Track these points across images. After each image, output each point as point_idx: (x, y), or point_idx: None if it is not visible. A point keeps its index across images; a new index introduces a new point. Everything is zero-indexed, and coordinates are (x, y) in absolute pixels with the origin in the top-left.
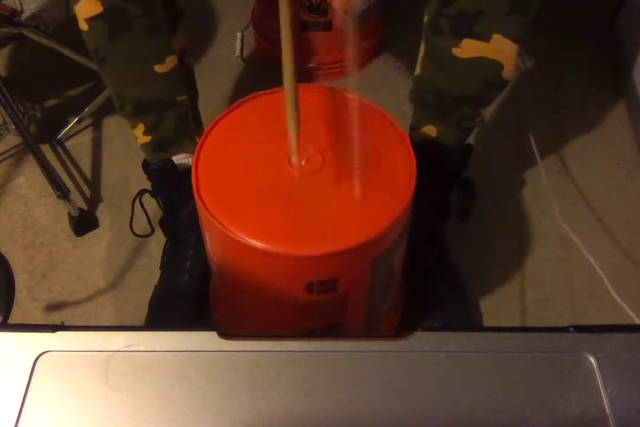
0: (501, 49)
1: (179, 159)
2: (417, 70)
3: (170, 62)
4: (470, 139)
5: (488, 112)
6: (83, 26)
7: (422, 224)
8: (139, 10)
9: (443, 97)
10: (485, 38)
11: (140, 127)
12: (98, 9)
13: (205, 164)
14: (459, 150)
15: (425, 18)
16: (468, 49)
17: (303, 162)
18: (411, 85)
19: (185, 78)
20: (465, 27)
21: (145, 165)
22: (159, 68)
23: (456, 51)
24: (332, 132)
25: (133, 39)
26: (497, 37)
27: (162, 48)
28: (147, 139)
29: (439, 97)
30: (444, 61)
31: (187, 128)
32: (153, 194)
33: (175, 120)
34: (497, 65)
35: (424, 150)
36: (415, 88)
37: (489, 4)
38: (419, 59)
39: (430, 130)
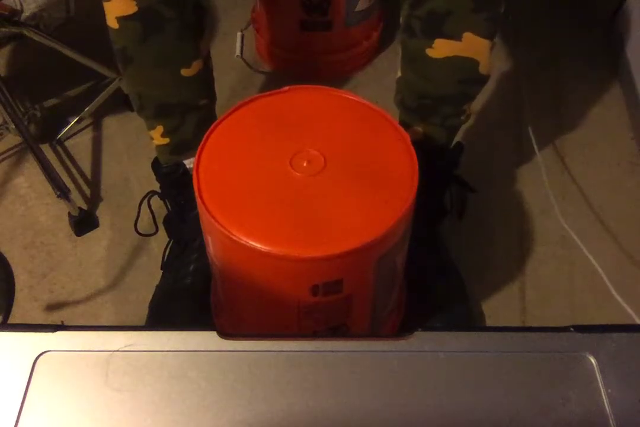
0: (473, 47)
1: (190, 162)
2: (398, 73)
3: (197, 65)
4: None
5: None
6: (112, 24)
7: (420, 223)
8: (172, 13)
9: (423, 98)
10: (456, 37)
11: (159, 129)
12: (132, 8)
13: (207, 167)
14: (448, 149)
15: (401, 21)
16: (441, 49)
17: (305, 164)
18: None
19: (208, 82)
20: (435, 28)
21: (156, 167)
22: (185, 71)
23: (430, 52)
24: (333, 133)
25: (164, 41)
26: (467, 36)
27: (191, 51)
28: (165, 141)
29: (419, 99)
30: (419, 62)
31: (206, 131)
32: (162, 196)
33: (196, 123)
34: (473, 63)
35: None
36: (397, 91)
37: (454, 3)
38: (399, 61)
39: (416, 131)
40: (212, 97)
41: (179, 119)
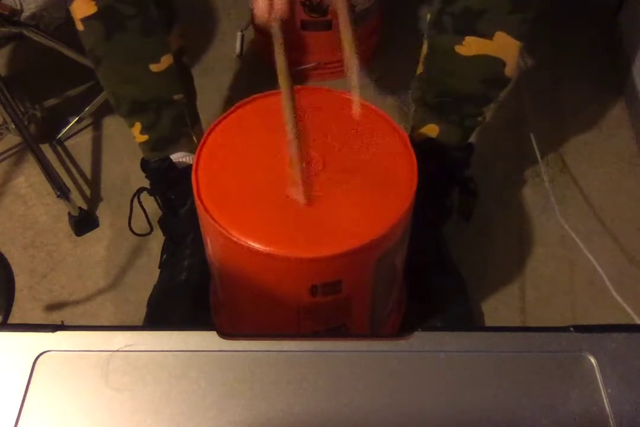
0: (504, 47)
1: (177, 157)
2: (420, 69)
3: (166, 61)
4: (471, 139)
5: (489, 111)
6: (79, 26)
7: (423, 223)
8: (132, 10)
9: (445, 95)
10: (488, 35)
11: (137, 126)
12: (92, 9)
13: (205, 167)
14: (460, 149)
15: (429, 16)
16: (471, 46)
17: (304, 165)
18: (413, 84)
19: (181, 76)
20: (468, 25)
21: (144, 164)
22: (154, 67)
23: (459, 49)
24: (332, 134)
25: (128, 38)
26: (499, 35)
27: (157, 47)
28: (145, 137)
29: (441, 96)
30: (447, 59)
31: (185, 127)
32: (151, 192)
33: (172, 118)
34: (500, 63)
35: (426, 149)
36: (418, 87)
37: (491, 2)
38: (422, 58)
39: (432, 129)
40: (187, 91)
41: (154, 115)
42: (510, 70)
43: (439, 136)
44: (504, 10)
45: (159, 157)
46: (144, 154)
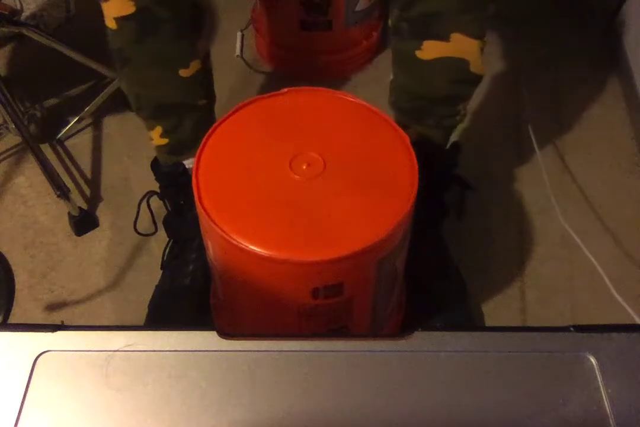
0: (462, 47)
1: (190, 163)
2: (391, 75)
3: (195, 66)
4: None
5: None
6: (111, 24)
7: (421, 224)
8: (167, 14)
9: (416, 100)
10: (444, 38)
11: (158, 130)
12: (130, 9)
13: (206, 170)
14: (445, 150)
15: (390, 23)
16: (430, 50)
17: (304, 167)
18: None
19: (206, 82)
20: (423, 29)
21: (156, 167)
22: (183, 72)
23: (420, 54)
24: (332, 135)
25: (160, 41)
26: (455, 36)
27: (188, 52)
28: (164, 141)
29: (413, 101)
30: (409, 64)
31: (204, 131)
32: (161, 196)
33: (194, 123)
34: (463, 63)
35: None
36: (390, 93)
37: (442, 5)
38: (392, 64)
39: (413, 132)
40: (210, 97)
41: (176, 120)
42: (475, 68)
43: (420, 139)
44: (455, 11)
45: (173, 162)
46: (159, 157)
